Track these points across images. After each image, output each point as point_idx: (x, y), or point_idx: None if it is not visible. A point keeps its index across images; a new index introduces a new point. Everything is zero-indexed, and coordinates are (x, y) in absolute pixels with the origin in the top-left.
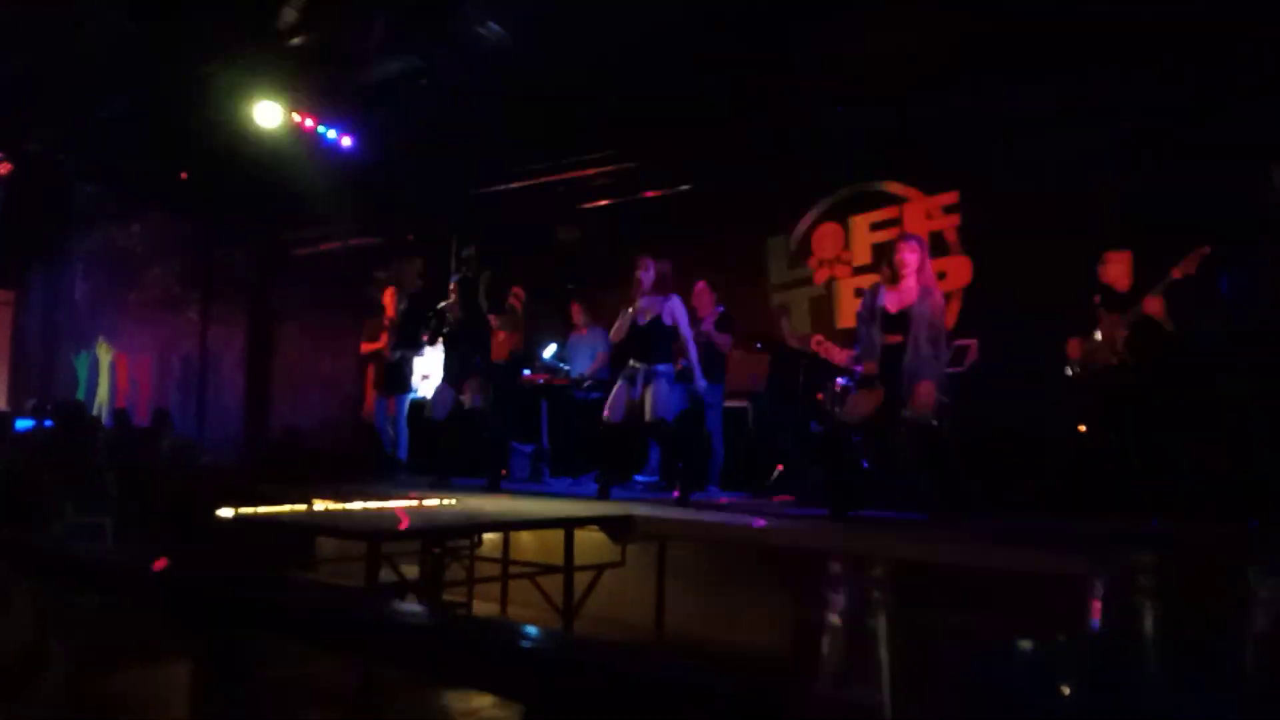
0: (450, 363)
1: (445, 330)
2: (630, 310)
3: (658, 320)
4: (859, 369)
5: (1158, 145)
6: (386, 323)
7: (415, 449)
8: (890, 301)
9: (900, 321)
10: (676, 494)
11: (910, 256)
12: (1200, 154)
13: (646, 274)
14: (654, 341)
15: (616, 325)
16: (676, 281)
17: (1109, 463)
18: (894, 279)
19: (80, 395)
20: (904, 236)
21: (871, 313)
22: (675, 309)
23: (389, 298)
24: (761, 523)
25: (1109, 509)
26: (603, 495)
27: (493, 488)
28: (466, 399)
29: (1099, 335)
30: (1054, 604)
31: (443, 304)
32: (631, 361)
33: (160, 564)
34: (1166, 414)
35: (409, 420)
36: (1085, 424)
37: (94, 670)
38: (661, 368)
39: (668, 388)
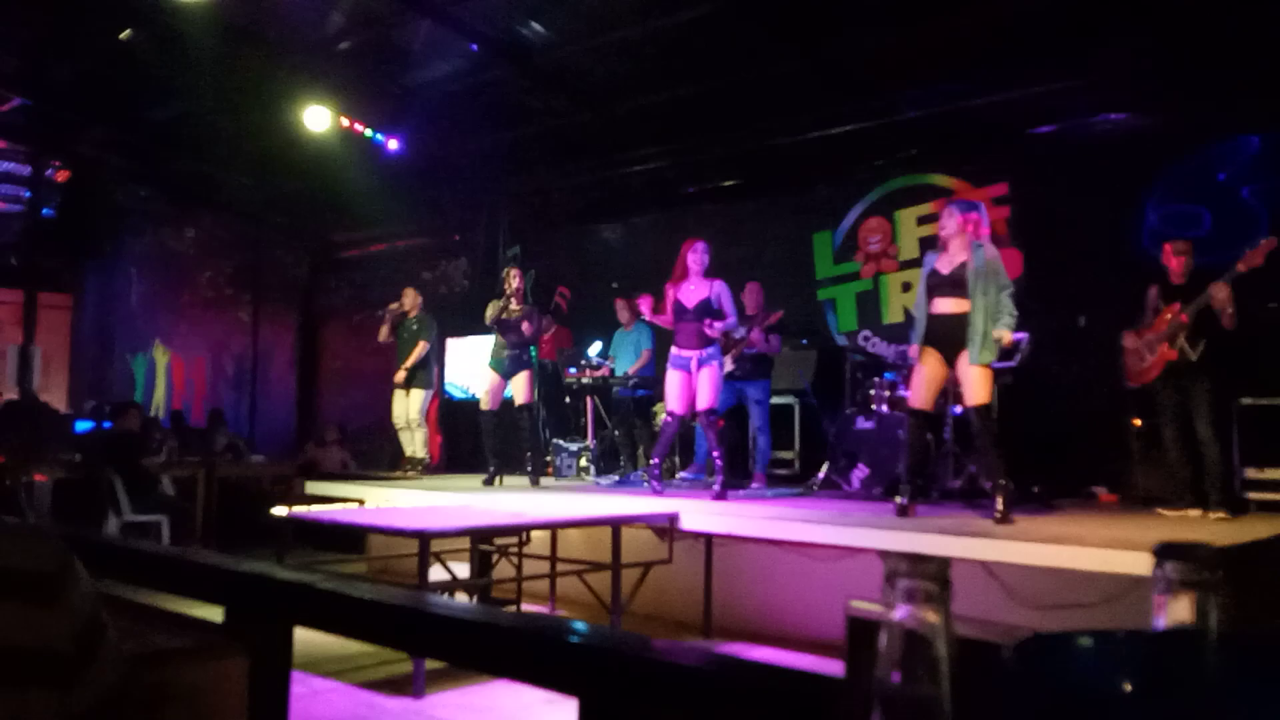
0: (502, 353)
1: (503, 317)
2: (676, 293)
3: (706, 303)
4: (912, 359)
5: (1215, 129)
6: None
7: (457, 444)
8: (942, 264)
9: (955, 283)
10: (717, 488)
11: (947, 221)
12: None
13: (699, 257)
14: (702, 324)
15: (665, 315)
16: (725, 278)
17: (1164, 457)
18: (944, 248)
19: (137, 396)
20: (943, 206)
21: (924, 280)
22: (722, 292)
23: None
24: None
25: (1165, 502)
26: (659, 491)
27: (534, 483)
28: (516, 391)
29: (1155, 327)
30: (1114, 600)
31: (509, 291)
32: (676, 349)
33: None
34: (1222, 408)
35: (449, 416)
36: (1140, 417)
37: (149, 665)
38: (713, 349)
39: (719, 372)
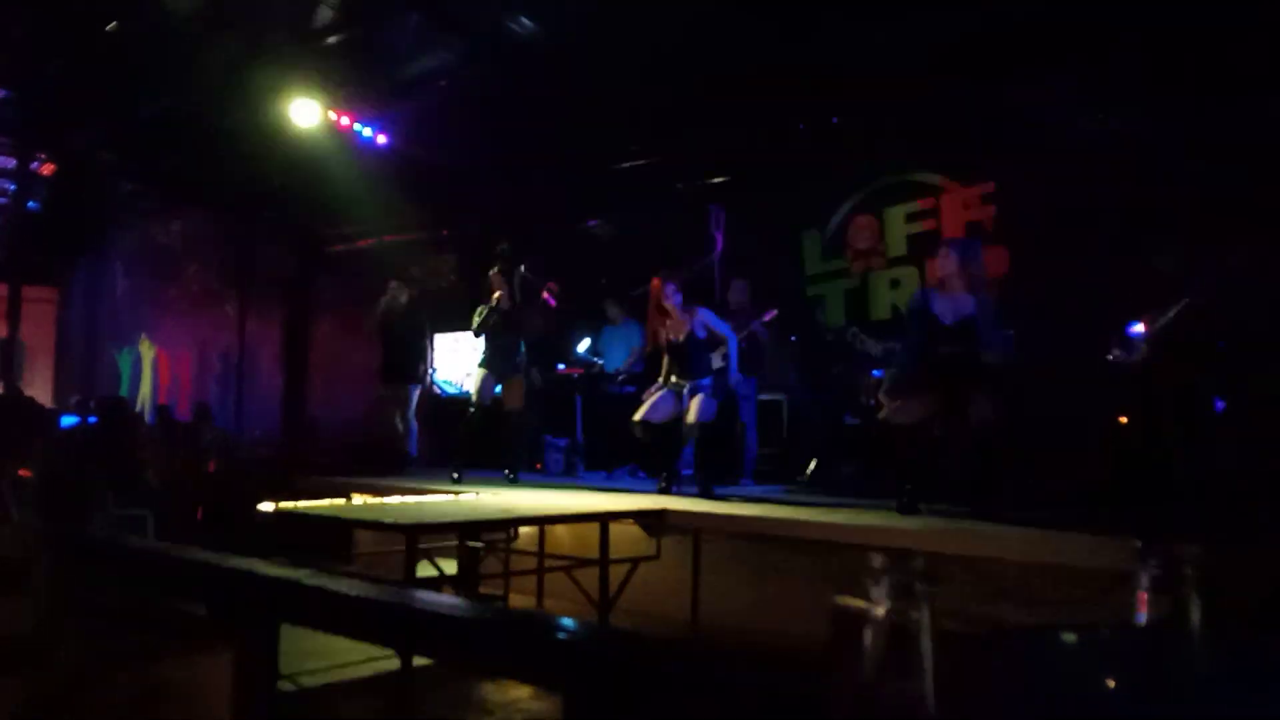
0: (493, 353)
1: (491, 321)
2: (659, 330)
3: (691, 335)
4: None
5: (1201, 129)
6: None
7: (439, 440)
8: (943, 311)
9: (958, 334)
10: (702, 484)
11: (945, 262)
12: (1246, 136)
13: (674, 298)
14: (692, 357)
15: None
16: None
17: (1150, 455)
18: (942, 288)
19: (123, 391)
20: (941, 243)
21: (922, 319)
22: (708, 319)
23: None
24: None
25: (1151, 501)
26: (664, 491)
27: (514, 480)
28: (509, 395)
29: (1142, 325)
30: (1098, 596)
31: (496, 295)
32: (674, 378)
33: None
34: (1209, 406)
35: (437, 412)
36: (1126, 416)
37: (136, 661)
38: (704, 382)
39: (710, 401)
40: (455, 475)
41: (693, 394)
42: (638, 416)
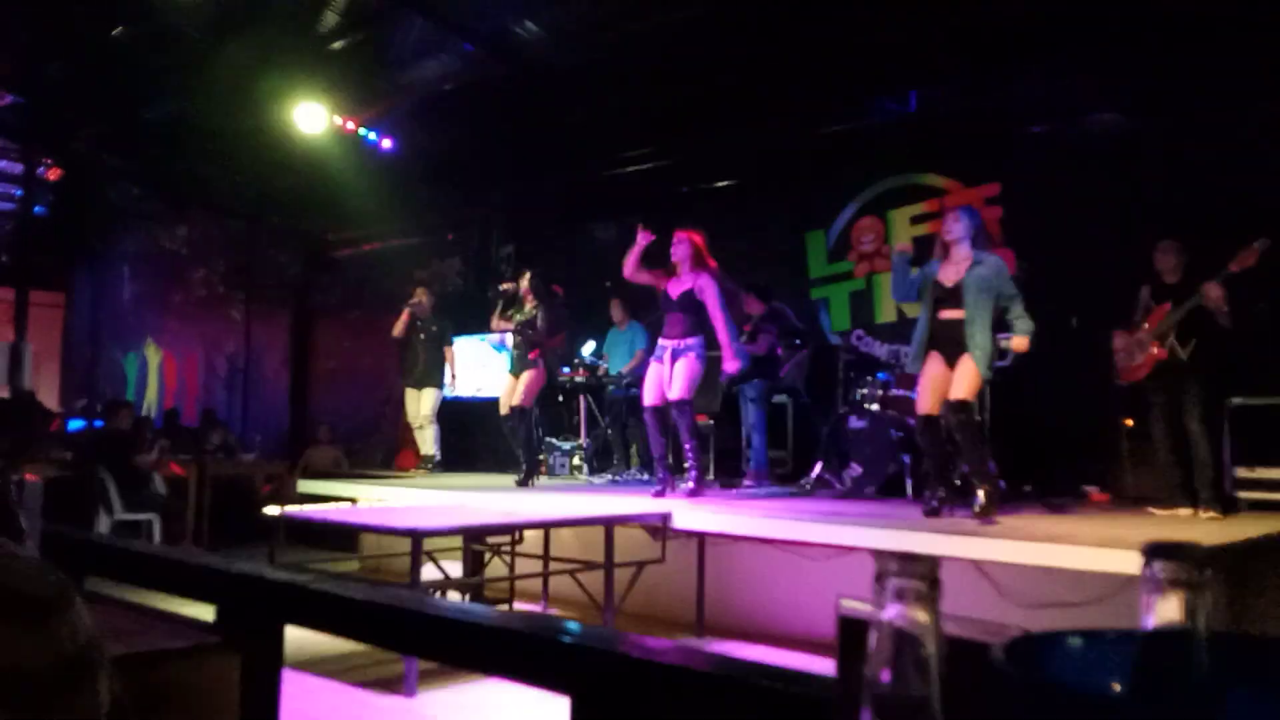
0: (515, 353)
1: (511, 316)
2: (661, 279)
3: (689, 294)
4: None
5: (1210, 130)
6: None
7: (451, 443)
8: (945, 275)
9: (956, 294)
10: (691, 485)
11: (954, 225)
12: (1255, 138)
13: (675, 249)
14: (684, 315)
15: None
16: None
17: (1155, 457)
18: (945, 253)
19: (129, 395)
20: (950, 208)
21: (925, 287)
22: (706, 286)
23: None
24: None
25: (1156, 501)
26: (660, 494)
27: (525, 483)
28: (516, 394)
29: (1146, 327)
30: (1104, 600)
31: (506, 287)
32: (660, 339)
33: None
34: (1213, 407)
35: (443, 415)
36: (1131, 417)
37: (141, 664)
38: (691, 341)
39: (696, 364)
40: (522, 482)
41: (675, 356)
42: (644, 402)
